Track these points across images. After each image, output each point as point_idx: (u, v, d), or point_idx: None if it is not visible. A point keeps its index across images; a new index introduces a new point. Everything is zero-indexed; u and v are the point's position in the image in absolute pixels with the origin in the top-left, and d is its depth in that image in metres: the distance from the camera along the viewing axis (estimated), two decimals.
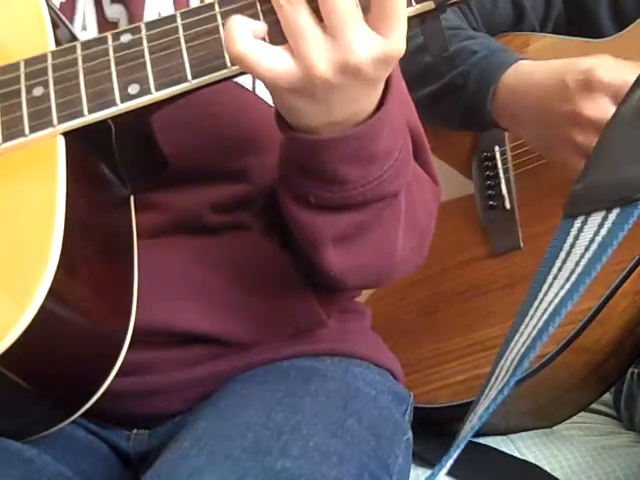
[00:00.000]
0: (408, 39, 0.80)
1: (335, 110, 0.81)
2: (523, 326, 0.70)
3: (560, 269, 0.70)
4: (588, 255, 0.69)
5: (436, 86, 1.34)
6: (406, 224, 0.96)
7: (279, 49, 0.78)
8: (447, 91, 1.33)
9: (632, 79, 1.13)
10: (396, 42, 0.78)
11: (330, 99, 0.80)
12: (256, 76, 0.79)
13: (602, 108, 1.16)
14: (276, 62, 0.77)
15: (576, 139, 1.19)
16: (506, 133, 1.39)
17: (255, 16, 0.80)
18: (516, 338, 0.70)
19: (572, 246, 0.70)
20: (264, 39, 0.79)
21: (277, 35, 0.79)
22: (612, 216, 0.69)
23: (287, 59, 0.77)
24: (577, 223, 0.71)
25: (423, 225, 1.03)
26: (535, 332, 0.68)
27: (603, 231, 0.69)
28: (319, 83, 0.78)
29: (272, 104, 0.95)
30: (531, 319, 0.70)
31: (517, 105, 1.26)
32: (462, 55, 1.31)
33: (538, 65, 1.26)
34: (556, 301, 0.68)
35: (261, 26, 0.79)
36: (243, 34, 0.76)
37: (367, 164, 0.86)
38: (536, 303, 0.70)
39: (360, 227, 0.90)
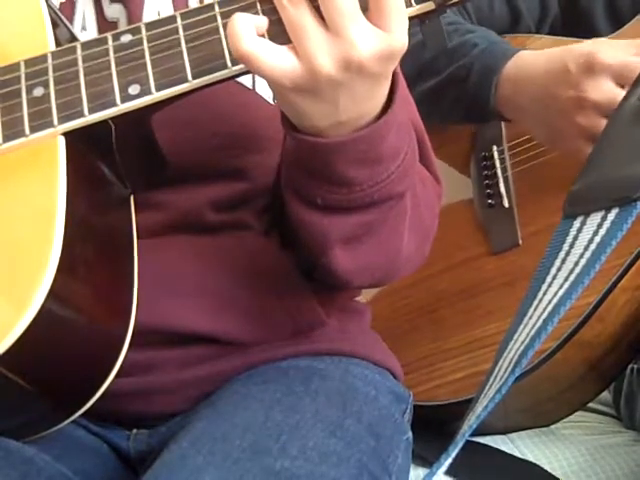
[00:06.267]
0: (409, 36, 0.79)
1: (341, 109, 0.81)
2: (522, 326, 0.70)
3: (559, 269, 0.70)
4: (587, 255, 0.69)
5: (438, 80, 1.33)
6: (411, 223, 0.96)
7: (283, 48, 0.78)
8: (450, 84, 1.33)
9: (631, 59, 1.14)
10: (398, 36, 0.78)
11: (336, 98, 0.80)
12: (261, 75, 0.79)
13: (605, 90, 1.16)
14: (281, 61, 0.77)
15: (581, 123, 1.19)
16: (504, 132, 1.39)
17: None
18: (515, 338, 0.70)
19: (571, 246, 0.71)
20: (265, 35, 0.79)
21: (279, 35, 0.79)
22: (611, 216, 0.69)
23: (291, 58, 0.77)
24: (576, 223, 0.71)
25: (427, 224, 1.03)
26: (534, 331, 0.68)
27: (602, 231, 0.69)
28: (324, 81, 0.78)
29: (272, 102, 0.96)
30: (530, 318, 0.70)
31: (520, 95, 1.26)
32: (463, 48, 1.31)
33: (539, 54, 1.26)
34: (555, 300, 0.68)
35: (263, 20, 0.79)
36: (248, 33, 0.77)
37: (374, 165, 0.86)
38: (535, 302, 0.70)
39: (367, 227, 0.90)
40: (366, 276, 0.97)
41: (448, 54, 1.31)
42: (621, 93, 1.14)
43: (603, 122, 1.16)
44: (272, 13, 0.79)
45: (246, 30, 0.77)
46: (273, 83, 0.80)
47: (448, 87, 1.33)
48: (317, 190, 0.87)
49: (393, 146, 0.86)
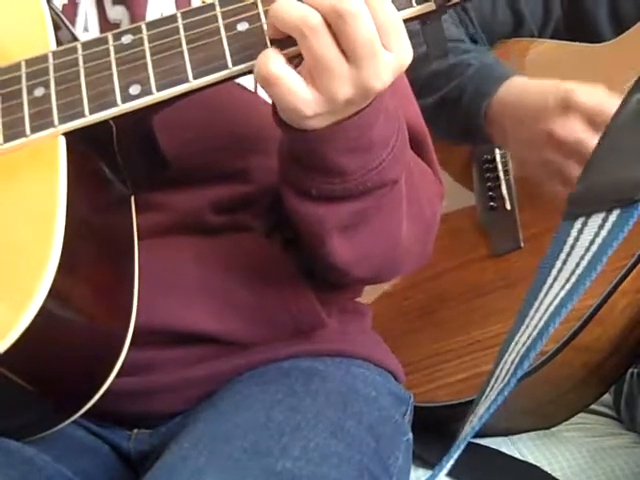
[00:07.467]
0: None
1: (343, 115, 0.83)
2: (523, 327, 0.70)
3: (560, 270, 0.70)
4: (588, 256, 0.69)
5: (434, 99, 1.34)
6: (409, 213, 0.96)
7: (305, 82, 0.79)
8: (444, 104, 1.34)
9: (608, 106, 1.15)
10: (404, 53, 0.80)
11: (345, 113, 0.82)
12: (279, 102, 0.80)
13: (573, 129, 1.17)
14: (303, 92, 0.79)
15: (544, 157, 1.20)
16: None
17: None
18: (516, 339, 0.70)
19: (572, 247, 0.70)
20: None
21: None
22: (612, 217, 0.69)
23: (313, 92, 0.79)
24: (577, 224, 0.71)
25: (428, 217, 1.03)
26: (535, 333, 0.68)
27: (603, 232, 0.69)
28: (342, 105, 0.80)
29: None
30: (531, 320, 0.70)
31: (506, 120, 1.27)
32: (458, 68, 1.32)
33: (530, 83, 1.27)
34: (556, 302, 0.68)
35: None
36: (278, 58, 0.78)
37: (366, 153, 0.86)
38: (536, 304, 0.70)
39: (362, 215, 0.91)
40: (365, 266, 0.97)
41: (443, 74, 1.32)
42: (588, 136, 1.15)
43: (566, 162, 1.18)
44: None
45: (277, 56, 0.78)
46: (293, 112, 0.80)
47: (443, 107, 1.34)
48: (311, 182, 0.88)
49: (382, 134, 0.87)
